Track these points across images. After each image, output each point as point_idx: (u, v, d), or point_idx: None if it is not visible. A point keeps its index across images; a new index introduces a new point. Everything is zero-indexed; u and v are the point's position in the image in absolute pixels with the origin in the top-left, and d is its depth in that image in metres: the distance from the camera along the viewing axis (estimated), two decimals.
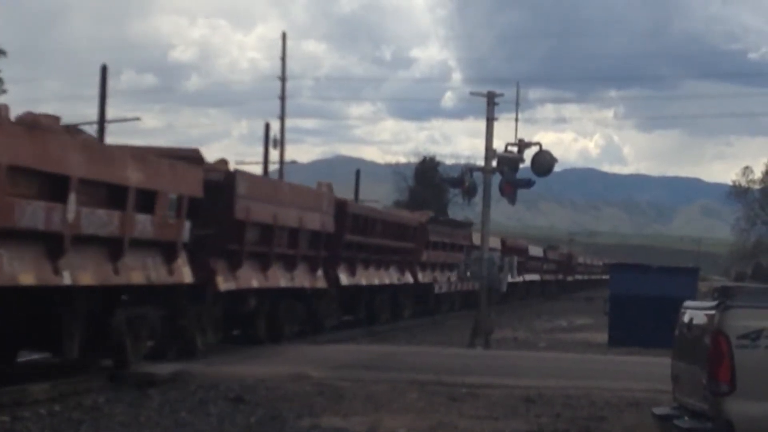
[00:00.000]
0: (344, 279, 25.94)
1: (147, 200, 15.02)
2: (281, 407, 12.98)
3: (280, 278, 21.02)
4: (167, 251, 15.93)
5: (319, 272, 23.40)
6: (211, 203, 17.44)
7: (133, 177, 14.41)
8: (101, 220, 13.71)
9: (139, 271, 15.01)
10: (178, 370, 15.81)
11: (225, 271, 18.39)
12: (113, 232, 14.03)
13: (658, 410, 10.37)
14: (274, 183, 22.05)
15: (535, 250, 58.06)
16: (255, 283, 19.65)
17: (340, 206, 25.11)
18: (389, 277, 30.39)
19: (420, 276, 33.76)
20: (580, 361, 20.56)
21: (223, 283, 18.24)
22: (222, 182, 18.14)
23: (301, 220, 21.45)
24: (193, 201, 16.49)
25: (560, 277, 71.16)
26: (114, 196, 14.12)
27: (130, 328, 15.36)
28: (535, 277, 57.40)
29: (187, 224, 16.41)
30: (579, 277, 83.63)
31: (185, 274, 16.58)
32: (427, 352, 21.58)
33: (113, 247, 14.17)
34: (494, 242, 40.59)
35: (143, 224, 14.89)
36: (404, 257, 31.82)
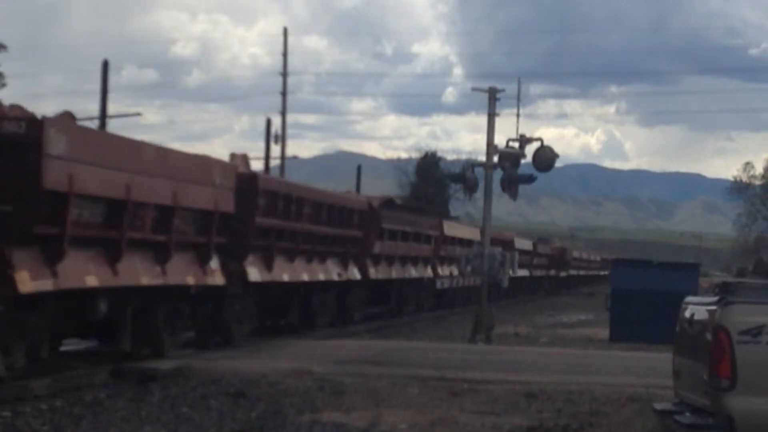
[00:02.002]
0: (255, 274, 20.41)
1: None
2: (282, 402, 12.99)
3: (140, 273, 15.61)
4: None
5: (213, 264, 18.18)
6: (8, 167, 12.57)
7: None
8: None
9: None
10: (179, 365, 15.82)
11: (34, 265, 13.00)
12: None
13: (660, 405, 10.39)
14: (123, 142, 15.26)
15: (523, 243, 54.44)
16: (94, 281, 14.23)
17: (247, 181, 19.82)
18: (326, 272, 24.68)
19: (372, 271, 28.41)
20: (581, 357, 20.53)
21: (29, 282, 12.74)
22: (23, 136, 12.62)
23: (176, 196, 16.23)
24: None
25: (552, 272, 67.29)
26: None
27: None
28: (524, 272, 52.70)
29: None
30: (574, 272, 79.57)
31: None
32: (428, 348, 21.56)
33: None
34: (473, 233, 38.33)
35: None
36: (349, 248, 26.27)
